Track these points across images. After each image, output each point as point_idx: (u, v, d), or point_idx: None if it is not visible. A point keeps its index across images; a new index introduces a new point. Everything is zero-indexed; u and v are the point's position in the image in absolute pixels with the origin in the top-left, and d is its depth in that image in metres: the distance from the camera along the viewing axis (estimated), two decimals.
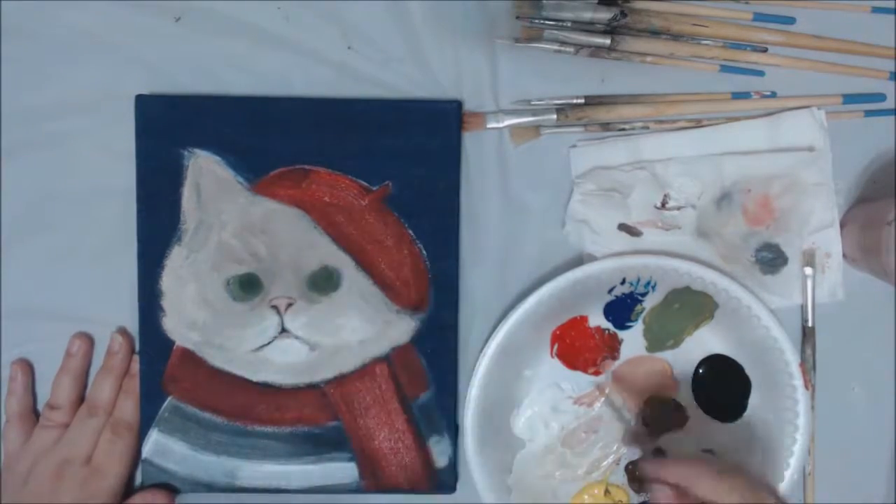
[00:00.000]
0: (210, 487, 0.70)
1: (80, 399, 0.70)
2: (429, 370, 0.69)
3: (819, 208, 0.70)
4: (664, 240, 0.70)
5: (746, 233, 0.70)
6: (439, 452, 0.70)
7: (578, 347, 0.71)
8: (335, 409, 0.69)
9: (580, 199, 0.70)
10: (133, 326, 0.70)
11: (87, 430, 0.68)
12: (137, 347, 0.70)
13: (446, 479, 0.70)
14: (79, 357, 0.69)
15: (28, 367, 0.70)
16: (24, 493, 0.66)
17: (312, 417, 0.69)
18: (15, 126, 0.70)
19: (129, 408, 0.69)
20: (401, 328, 0.69)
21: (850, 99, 0.71)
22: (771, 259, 0.70)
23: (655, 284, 0.69)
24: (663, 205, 0.70)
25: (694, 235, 0.71)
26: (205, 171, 0.68)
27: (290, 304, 0.68)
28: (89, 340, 0.70)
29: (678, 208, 0.70)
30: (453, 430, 0.70)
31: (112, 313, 0.70)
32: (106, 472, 0.67)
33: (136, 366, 0.69)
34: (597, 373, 0.71)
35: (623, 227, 0.70)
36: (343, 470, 0.69)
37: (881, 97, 0.72)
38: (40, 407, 0.70)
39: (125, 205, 0.69)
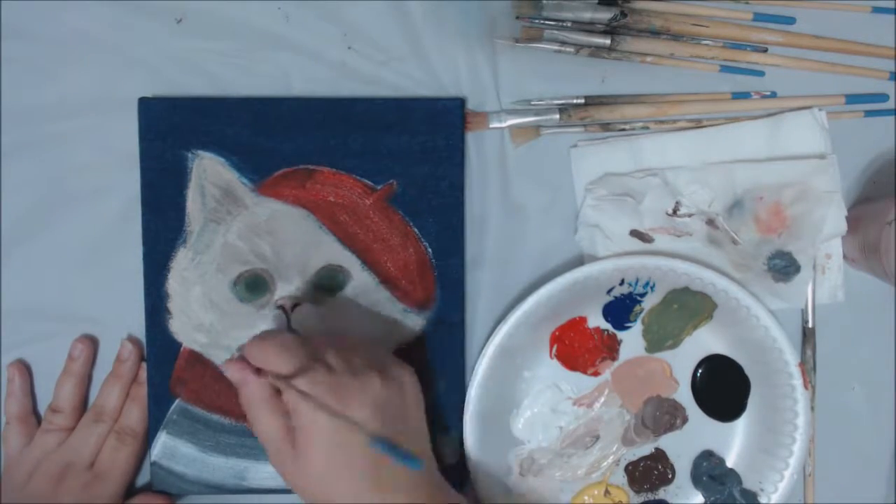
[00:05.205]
0: (219, 489, 0.72)
1: (83, 402, 0.73)
2: (436, 368, 0.72)
3: (831, 216, 0.72)
4: (675, 246, 0.73)
5: (758, 240, 0.72)
6: (448, 450, 0.72)
7: (577, 348, 0.74)
8: None
9: (593, 204, 0.73)
10: (136, 328, 0.72)
11: (91, 435, 0.71)
12: (145, 352, 0.72)
13: (455, 477, 0.72)
14: (81, 361, 0.72)
15: (25, 369, 0.73)
16: (23, 494, 0.69)
17: None
18: (15, 126, 0.73)
19: (134, 415, 0.72)
20: (407, 327, 0.72)
21: (852, 99, 0.74)
22: (784, 267, 0.72)
23: (654, 285, 0.72)
24: (675, 212, 0.73)
25: (705, 242, 0.73)
26: (209, 172, 0.71)
27: (296, 305, 0.71)
28: (92, 344, 0.73)
29: (689, 215, 0.73)
30: (461, 428, 0.71)
31: (113, 315, 0.73)
32: (108, 478, 0.70)
33: (143, 374, 0.72)
34: (596, 374, 0.74)
35: (635, 234, 0.73)
36: None
37: (884, 97, 0.74)
38: (41, 408, 0.73)
39: (126, 206, 0.72)
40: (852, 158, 0.75)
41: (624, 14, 0.72)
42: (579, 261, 0.74)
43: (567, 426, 0.74)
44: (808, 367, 0.75)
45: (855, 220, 0.73)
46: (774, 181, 0.73)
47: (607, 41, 0.72)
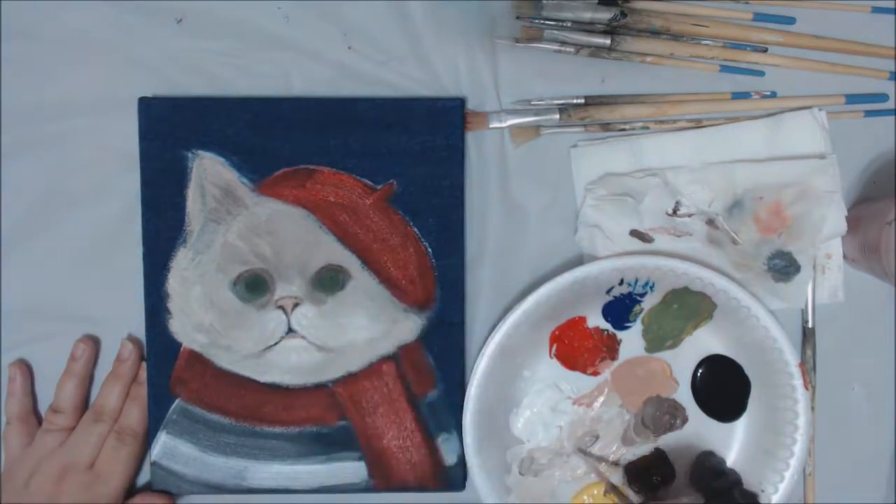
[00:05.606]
0: (219, 489, 0.73)
1: (84, 403, 0.73)
2: (436, 368, 0.73)
3: (831, 216, 0.72)
4: (675, 246, 0.74)
5: (758, 240, 0.72)
6: (448, 450, 0.73)
7: (577, 348, 0.74)
8: (343, 409, 0.72)
9: (593, 204, 0.73)
10: (136, 328, 0.73)
11: (91, 435, 0.71)
12: (145, 352, 0.73)
13: (455, 477, 0.73)
14: (83, 361, 0.72)
15: (26, 369, 0.73)
16: (24, 495, 0.69)
17: (320, 417, 0.72)
18: (15, 126, 0.73)
19: (135, 415, 0.72)
20: (407, 326, 0.73)
21: (852, 99, 0.74)
22: (784, 267, 0.72)
23: (654, 285, 0.72)
24: (675, 212, 0.73)
25: (705, 242, 0.74)
26: (209, 172, 0.71)
27: (296, 305, 0.71)
28: (94, 344, 0.73)
29: (689, 215, 0.73)
30: (461, 428, 0.72)
31: (113, 315, 0.73)
32: (108, 478, 0.71)
33: (143, 373, 0.73)
34: (595, 373, 0.74)
35: (635, 234, 0.74)
36: (352, 469, 0.73)
37: (884, 97, 0.75)
38: (42, 408, 0.74)
39: (126, 206, 0.73)
40: (852, 158, 0.75)
41: (624, 14, 0.72)
42: (579, 261, 0.74)
43: (567, 426, 0.75)
44: (808, 367, 0.75)
45: (855, 220, 0.73)
46: (774, 181, 0.73)
47: (607, 41, 0.72)
